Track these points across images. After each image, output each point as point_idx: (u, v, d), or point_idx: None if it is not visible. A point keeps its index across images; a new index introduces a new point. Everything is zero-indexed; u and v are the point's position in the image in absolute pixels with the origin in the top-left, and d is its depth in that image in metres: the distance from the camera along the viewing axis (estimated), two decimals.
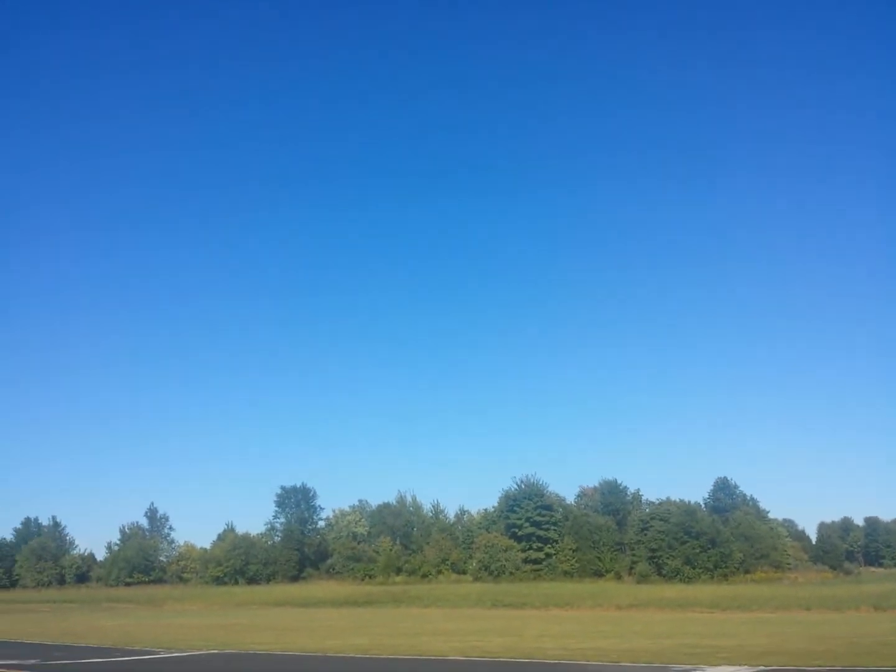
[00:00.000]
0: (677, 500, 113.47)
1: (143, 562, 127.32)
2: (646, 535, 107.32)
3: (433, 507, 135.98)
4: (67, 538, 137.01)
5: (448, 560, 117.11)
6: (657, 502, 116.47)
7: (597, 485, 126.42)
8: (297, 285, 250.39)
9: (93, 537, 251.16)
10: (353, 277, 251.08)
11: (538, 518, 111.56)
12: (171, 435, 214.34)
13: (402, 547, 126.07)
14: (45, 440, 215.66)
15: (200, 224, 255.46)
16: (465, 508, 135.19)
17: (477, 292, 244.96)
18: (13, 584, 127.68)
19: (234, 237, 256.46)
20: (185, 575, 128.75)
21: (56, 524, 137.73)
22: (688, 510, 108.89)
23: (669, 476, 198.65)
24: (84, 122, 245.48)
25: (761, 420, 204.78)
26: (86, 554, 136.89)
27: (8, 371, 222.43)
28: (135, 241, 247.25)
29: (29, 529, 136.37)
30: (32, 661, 24.88)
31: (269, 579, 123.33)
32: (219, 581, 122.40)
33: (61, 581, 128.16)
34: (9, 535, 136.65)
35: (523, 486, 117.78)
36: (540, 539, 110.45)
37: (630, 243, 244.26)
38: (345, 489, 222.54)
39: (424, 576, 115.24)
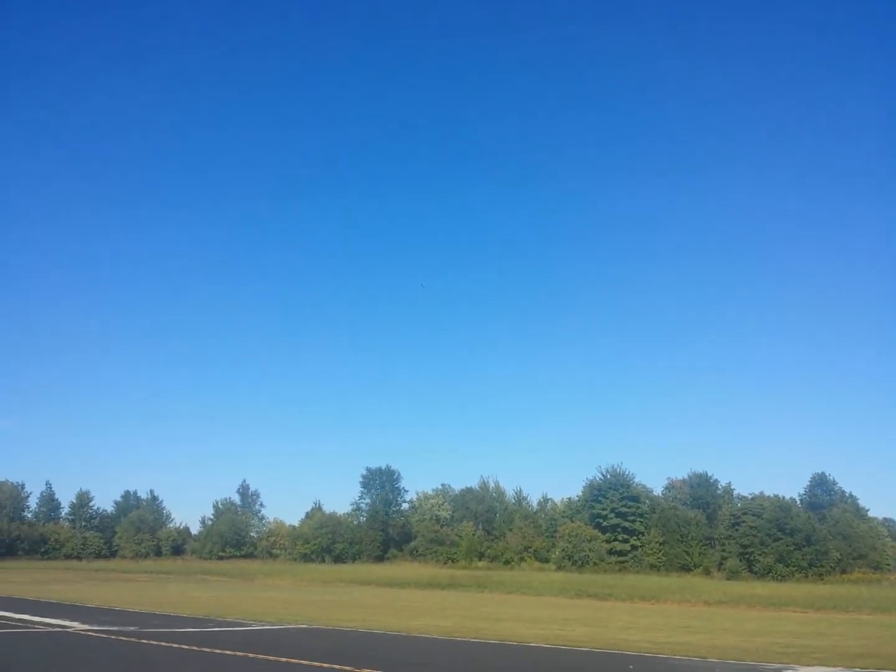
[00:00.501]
0: (771, 494, 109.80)
1: (234, 536, 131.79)
2: (737, 530, 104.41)
3: (516, 493, 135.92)
4: (164, 511, 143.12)
5: (531, 548, 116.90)
6: (749, 497, 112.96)
7: (686, 477, 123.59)
8: (376, 267, 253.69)
9: (188, 511, 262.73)
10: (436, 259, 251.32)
11: (624, 509, 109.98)
12: (262, 413, 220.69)
13: (485, 532, 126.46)
14: (144, 415, 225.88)
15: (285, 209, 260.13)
16: (548, 496, 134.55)
17: (556, 274, 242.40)
18: (113, 554, 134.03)
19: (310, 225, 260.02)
20: (274, 551, 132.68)
21: (154, 498, 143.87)
22: (782, 506, 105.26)
23: (762, 470, 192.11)
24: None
25: (863, 415, 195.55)
26: (181, 527, 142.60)
27: (109, 348, 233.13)
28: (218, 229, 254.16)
29: (128, 502, 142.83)
30: (132, 629, 25.91)
31: (354, 558, 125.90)
32: (306, 558, 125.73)
33: (158, 553, 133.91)
34: (110, 507, 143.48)
35: (609, 476, 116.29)
36: (625, 530, 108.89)
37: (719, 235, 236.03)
38: (428, 472, 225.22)
39: (507, 562, 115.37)
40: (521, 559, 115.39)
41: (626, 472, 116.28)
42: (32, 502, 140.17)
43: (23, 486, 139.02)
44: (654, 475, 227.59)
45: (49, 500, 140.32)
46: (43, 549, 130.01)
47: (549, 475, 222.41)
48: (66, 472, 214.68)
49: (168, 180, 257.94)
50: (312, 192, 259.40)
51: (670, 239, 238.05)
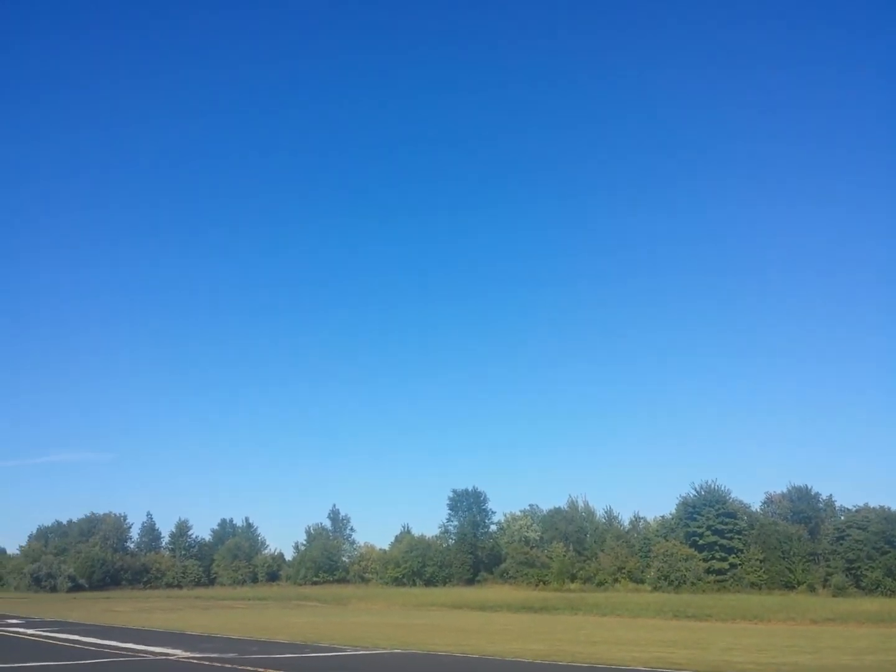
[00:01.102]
0: (876, 506, 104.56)
1: (327, 562, 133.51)
2: (841, 544, 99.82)
3: (606, 512, 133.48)
4: (259, 538, 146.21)
5: (624, 568, 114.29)
6: (853, 509, 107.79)
7: (785, 491, 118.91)
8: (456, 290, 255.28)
9: (282, 537, 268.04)
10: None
11: (720, 526, 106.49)
12: (351, 437, 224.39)
13: (576, 553, 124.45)
14: (239, 444, 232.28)
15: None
16: (641, 515, 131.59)
17: (635, 287, 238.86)
18: (211, 581, 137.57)
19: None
20: (366, 575, 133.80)
21: (249, 525, 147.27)
22: (889, 517, 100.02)
23: (866, 481, 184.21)
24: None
25: None
26: (276, 553, 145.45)
27: (201, 381, 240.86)
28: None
29: (225, 530, 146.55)
30: (232, 655, 26.45)
31: (444, 581, 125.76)
32: (397, 582, 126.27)
33: (254, 579, 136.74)
34: (207, 536, 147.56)
35: (703, 493, 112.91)
36: (723, 548, 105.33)
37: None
38: (515, 493, 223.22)
39: (600, 584, 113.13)
40: (615, 580, 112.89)
41: (722, 488, 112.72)
42: (134, 533, 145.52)
43: (125, 518, 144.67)
44: (750, 490, 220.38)
45: (150, 531, 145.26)
46: (145, 579, 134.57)
47: (640, 493, 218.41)
48: (165, 501, 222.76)
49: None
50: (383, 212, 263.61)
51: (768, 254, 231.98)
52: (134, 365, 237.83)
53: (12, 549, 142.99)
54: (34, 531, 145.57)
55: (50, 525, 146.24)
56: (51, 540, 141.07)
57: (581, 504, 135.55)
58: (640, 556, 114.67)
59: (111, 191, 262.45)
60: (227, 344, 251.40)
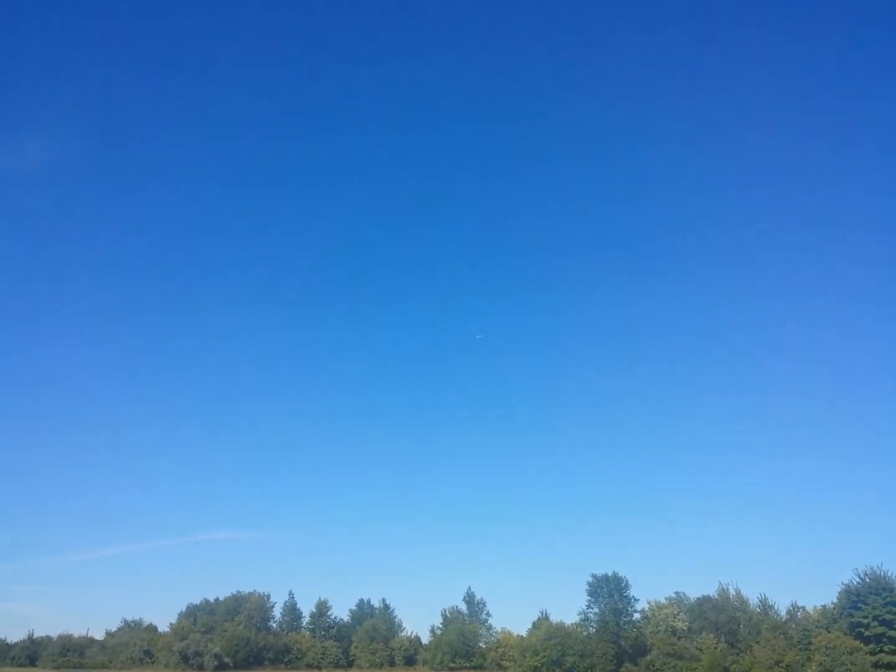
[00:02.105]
0: None
1: (463, 647, 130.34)
2: None
3: (761, 601, 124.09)
4: (396, 620, 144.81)
5: (782, 661, 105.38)
6: None
7: None
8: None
9: (417, 620, 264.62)
10: None
11: (889, 616, 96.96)
12: (487, 519, 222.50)
13: (728, 645, 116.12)
14: (377, 525, 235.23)
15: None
16: (799, 604, 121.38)
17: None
18: (350, 663, 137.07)
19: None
20: (503, 662, 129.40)
21: (385, 606, 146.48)
22: None
23: None
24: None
25: None
26: (412, 637, 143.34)
27: (346, 464, 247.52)
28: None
29: (363, 611, 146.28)
30: None
31: (586, 671, 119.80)
32: (536, 671, 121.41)
33: (391, 662, 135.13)
34: (345, 616, 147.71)
35: (868, 579, 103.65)
36: (892, 640, 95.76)
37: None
38: (659, 579, 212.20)
39: None
40: None
41: (889, 574, 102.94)
42: (277, 611, 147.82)
43: (269, 597, 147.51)
44: None
45: (291, 610, 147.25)
46: (287, 659, 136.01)
47: (798, 580, 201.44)
48: (306, 580, 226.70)
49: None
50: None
51: None
52: (279, 448, 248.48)
53: (163, 627, 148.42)
54: (183, 609, 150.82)
55: (198, 603, 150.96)
56: (199, 618, 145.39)
57: (732, 592, 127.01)
58: (800, 649, 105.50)
59: None
60: (367, 425, 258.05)
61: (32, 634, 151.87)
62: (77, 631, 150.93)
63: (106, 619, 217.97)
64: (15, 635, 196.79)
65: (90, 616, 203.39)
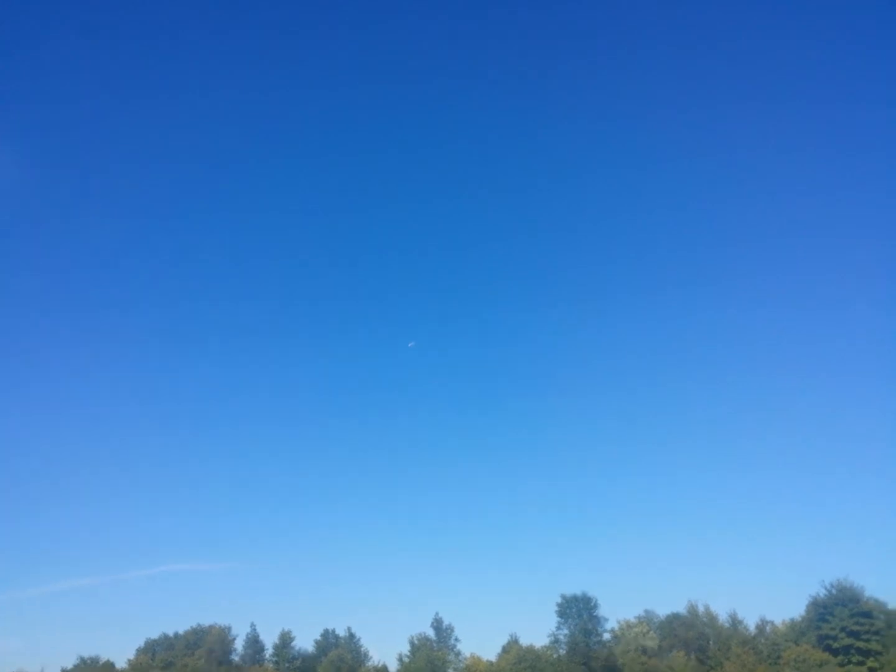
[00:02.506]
0: None
1: None
2: None
3: (730, 616, 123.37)
4: (362, 649, 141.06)
5: None
6: None
7: None
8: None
9: (384, 648, 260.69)
10: None
11: (856, 627, 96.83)
12: (451, 543, 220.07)
13: (698, 662, 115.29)
14: (340, 553, 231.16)
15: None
16: (767, 619, 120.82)
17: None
18: None
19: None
20: None
21: (351, 636, 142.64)
22: None
23: None
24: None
25: None
26: (379, 665, 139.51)
27: (306, 489, 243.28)
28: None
29: (327, 640, 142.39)
30: None
31: None
32: None
33: None
34: (310, 647, 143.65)
35: (835, 591, 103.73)
36: (860, 651, 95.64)
37: None
38: (627, 598, 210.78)
39: None
40: None
41: (855, 586, 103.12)
42: (238, 644, 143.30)
43: (230, 629, 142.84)
44: (888, 586, 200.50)
45: (254, 642, 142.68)
46: None
47: (766, 595, 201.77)
48: (267, 611, 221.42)
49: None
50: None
51: None
52: (239, 478, 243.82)
53: (120, 663, 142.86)
54: (142, 644, 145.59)
55: (157, 637, 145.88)
56: (157, 653, 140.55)
57: (701, 608, 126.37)
58: (770, 663, 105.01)
59: None
60: (328, 454, 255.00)
61: None
62: (31, 669, 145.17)
63: (61, 656, 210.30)
64: None
65: (44, 653, 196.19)
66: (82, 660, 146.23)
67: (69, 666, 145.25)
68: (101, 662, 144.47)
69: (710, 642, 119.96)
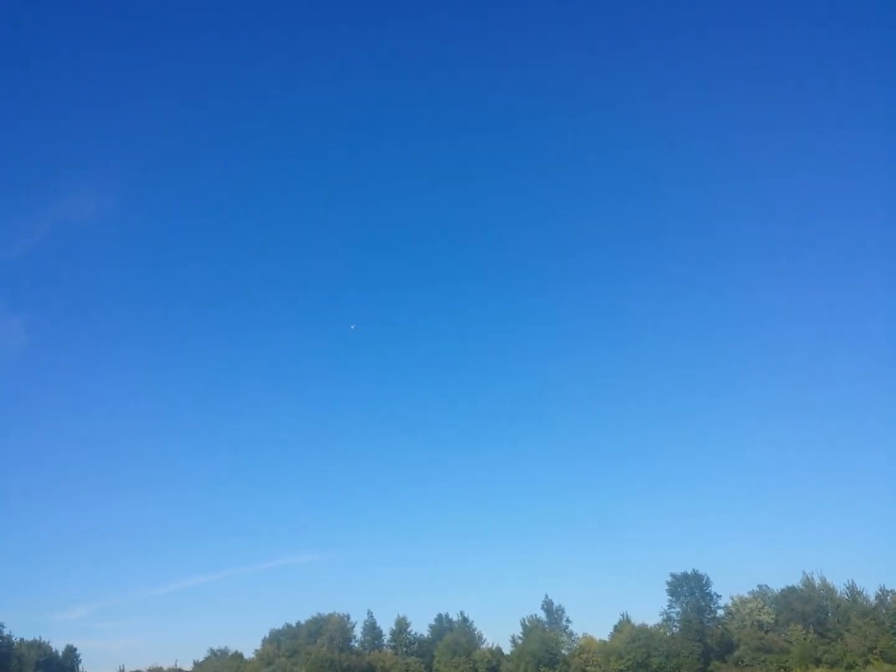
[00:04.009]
0: None
1: (546, 655, 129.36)
2: None
3: (848, 588, 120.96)
4: (476, 632, 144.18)
5: (875, 648, 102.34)
6: None
7: None
8: None
9: (497, 630, 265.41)
10: None
11: None
12: (561, 524, 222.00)
13: (818, 635, 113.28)
14: (450, 540, 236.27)
15: None
16: (888, 588, 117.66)
17: None
18: None
19: None
20: (588, 668, 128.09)
21: (464, 619, 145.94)
22: None
23: None
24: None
25: None
26: (494, 648, 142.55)
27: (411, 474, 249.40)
28: None
29: (441, 625, 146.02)
30: None
31: None
32: None
33: None
34: (425, 631, 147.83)
35: None
36: None
37: None
38: (740, 574, 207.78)
39: (849, 667, 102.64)
40: (867, 662, 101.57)
41: None
42: (357, 631, 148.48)
43: (348, 617, 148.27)
44: None
45: (372, 629, 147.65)
46: None
47: (885, 564, 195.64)
48: (382, 598, 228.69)
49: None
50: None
51: None
52: (348, 469, 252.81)
53: (248, 653, 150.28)
54: (267, 634, 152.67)
55: (280, 628, 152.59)
56: (282, 642, 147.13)
57: (818, 581, 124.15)
58: (893, 634, 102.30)
59: None
60: (439, 444, 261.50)
61: (123, 669, 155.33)
62: (165, 663, 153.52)
63: (192, 649, 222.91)
64: None
65: (177, 647, 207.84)
66: (213, 652, 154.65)
67: (200, 659, 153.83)
68: (230, 654, 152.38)
69: (829, 615, 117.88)
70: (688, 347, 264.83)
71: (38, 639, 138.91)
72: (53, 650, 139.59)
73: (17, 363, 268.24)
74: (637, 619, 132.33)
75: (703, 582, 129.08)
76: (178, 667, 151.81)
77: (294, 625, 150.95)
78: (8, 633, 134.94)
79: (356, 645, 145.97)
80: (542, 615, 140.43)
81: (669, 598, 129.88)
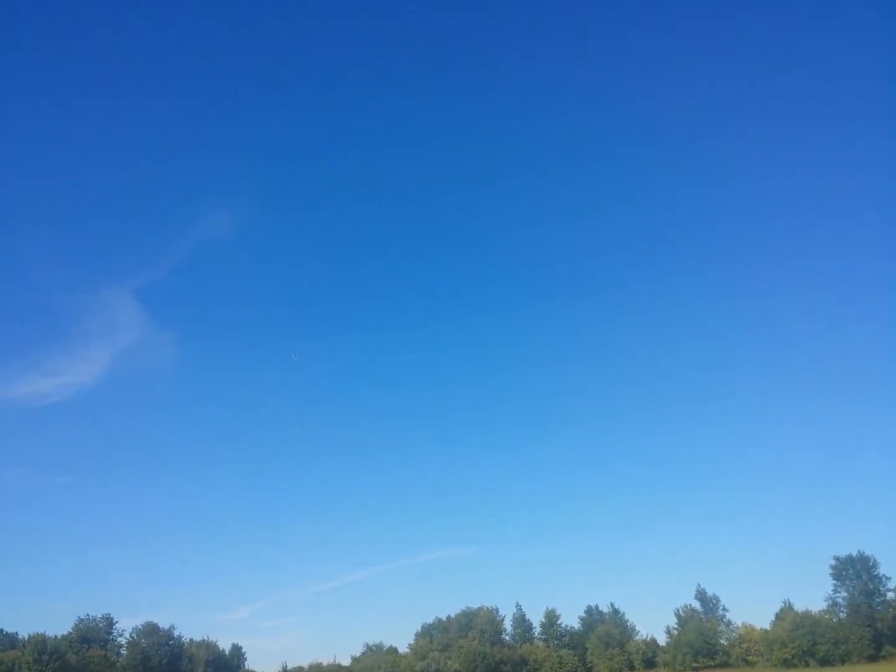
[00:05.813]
0: None
1: (704, 645, 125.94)
2: None
3: None
4: (628, 624, 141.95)
5: None
6: None
7: None
8: None
9: (649, 621, 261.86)
10: None
11: None
12: (709, 509, 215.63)
13: None
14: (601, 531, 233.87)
15: None
16: None
17: None
18: (588, 670, 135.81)
19: None
20: (750, 657, 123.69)
21: (615, 611, 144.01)
22: None
23: None
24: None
25: None
26: (648, 639, 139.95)
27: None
28: None
29: (592, 617, 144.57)
30: None
31: (842, 660, 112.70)
32: (787, 664, 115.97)
33: (630, 667, 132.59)
34: (575, 624, 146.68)
35: None
36: None
37: None
38: None
39: None
40: None
41: None
42: (507, 624, 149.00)
43: (497, 610, 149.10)
44: None
45: (521, 621, 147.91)
46: (524, 671, 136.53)
47: None
48: (529, 590, 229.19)
49: None
50: None
51: None
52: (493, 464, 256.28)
53: (402, 648, 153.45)
54: (419, 628, 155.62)
55: (432, 622, 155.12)
56: (434, 636, 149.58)
57: None
58: None
59: None
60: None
61: (286, 667, 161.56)
62: (325, 659, 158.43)
63: (349, 644, 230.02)
64: (270, 668, 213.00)
65: (334, 643, 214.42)
66: (368, 647, 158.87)
67: (357, 654, 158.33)
68: (385, 649, 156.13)
69: None
70: None
71: (206, 638, 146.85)
72: (221, 649, 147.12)
73: (170, 376, 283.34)
74: (800, 606, 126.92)
75: (871, 564, 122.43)
76: (338, 662, 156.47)
77: (444, 619, 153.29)
78: (179, 633, 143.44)
79: (507, 638, 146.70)
80: (696, 605, 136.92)
81: (834, 582, 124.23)
